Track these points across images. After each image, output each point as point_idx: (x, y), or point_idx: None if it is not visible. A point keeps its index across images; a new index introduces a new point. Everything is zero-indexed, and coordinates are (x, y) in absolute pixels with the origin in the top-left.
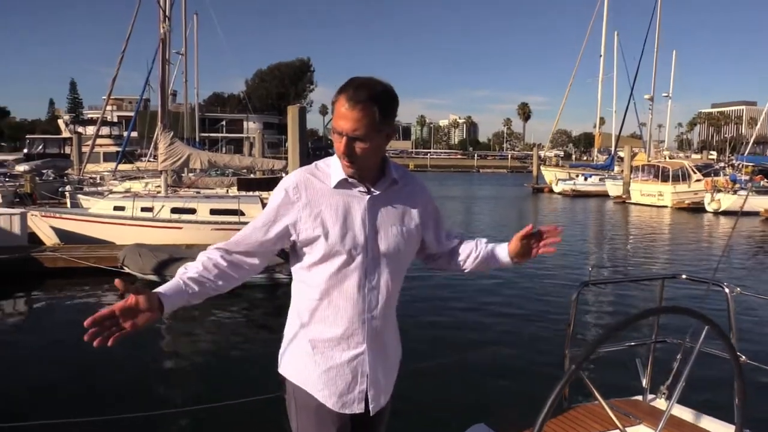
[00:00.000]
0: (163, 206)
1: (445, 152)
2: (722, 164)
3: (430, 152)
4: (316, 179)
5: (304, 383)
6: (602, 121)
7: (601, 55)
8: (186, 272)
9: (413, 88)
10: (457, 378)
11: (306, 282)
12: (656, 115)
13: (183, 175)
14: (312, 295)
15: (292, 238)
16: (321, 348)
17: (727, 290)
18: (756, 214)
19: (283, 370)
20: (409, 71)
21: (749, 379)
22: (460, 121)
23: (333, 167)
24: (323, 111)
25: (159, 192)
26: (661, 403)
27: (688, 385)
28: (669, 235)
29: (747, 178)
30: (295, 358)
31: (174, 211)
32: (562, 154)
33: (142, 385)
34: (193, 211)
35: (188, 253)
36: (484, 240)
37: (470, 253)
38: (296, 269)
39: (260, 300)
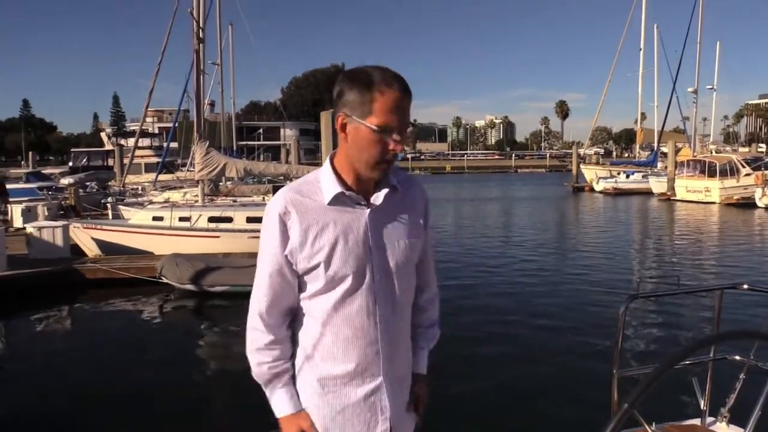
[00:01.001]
0: (200, 215)
1: (482, 153)
2: None
3: (466, 153)
4: (305, 197)
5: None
6: (643, 116)
7: (641, 49)
8: (278, 377)
9: (448, 89)
10: (488, 401)
11: (310, 313)
12: (701, 108)
13: (220, 183)
14: (316, 327)
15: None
16: (332, 386)
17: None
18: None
19: None
20: (444, 73)
21: None
22: (497, 121)
23: (324, 181)
24: None
25: (196, 201)
26: (722, 428)
27: (751, 407)
28: (719, 234)
29: None
30: (302, 399)
31: (211, 220)
32: (602, 151)
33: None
34: (229, 219)
35: (225, 261)
36: (432, 336)
37: (421, 326)
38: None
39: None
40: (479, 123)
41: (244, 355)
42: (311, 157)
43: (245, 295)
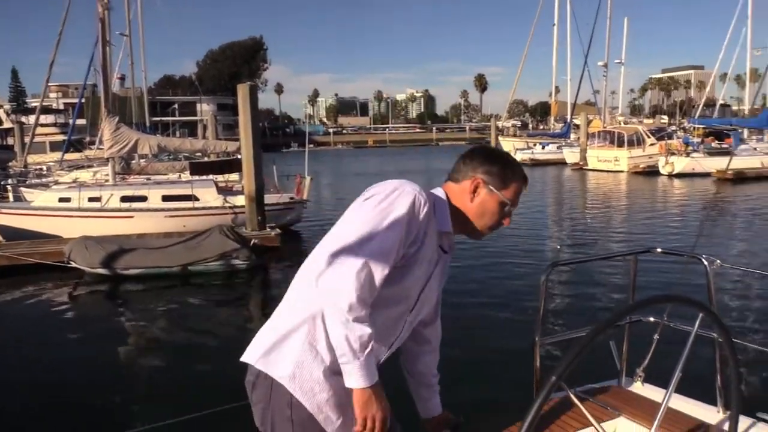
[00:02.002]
0: (111, 195)
1: (403, 127)
2: (674, 128)
3: (388, 127)
4: (432, 210)
5: (315, 407)
6: (557, 89)
7: (554, 24)
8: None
9: (369, 63)
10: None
11: None
12: (609, 81)
13: (132, 161)
14: None
15: None
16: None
17: (706, 263)
18: (708, 175)
19: (288, 384)
20: (365, 46)
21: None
22: (418, 94)
23: (441, 212)
24: (279, 90)
25: (107, 181)
26: (637, 387)
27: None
28: (630, 202)
29: (699, 140)
30: (309, 377)
31: (124, 199)
32: (519, 124)
33: (96, 391)
34: (144, 198)
35: (140, 243)
36: (436, 378)
37: (426, 366)
38: None
39: (219, 289)
40: (400, 97)
41: (162, 338)
42: (229, 133)
43: (162, 277)
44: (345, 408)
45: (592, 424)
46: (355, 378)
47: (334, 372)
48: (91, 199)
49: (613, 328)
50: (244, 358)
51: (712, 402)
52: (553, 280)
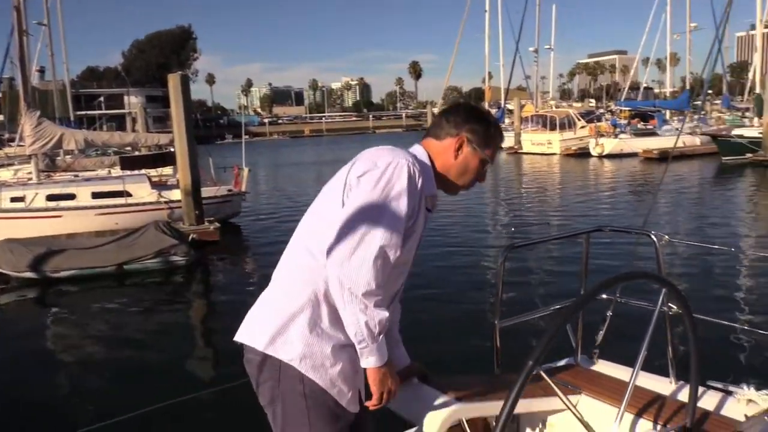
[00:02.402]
0: (36, 194)
1: (340, 115)
2: (602, 111)
3: (325, 116)
4: (424, 177)
5: (328, 382)
6: (490, 75)
7: (486, 11)
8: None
9: (303, 51)
10: None
11: None
12: (540, 67)
13: (57, 158)
14: None
15: None
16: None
17: (654, 239)
18: (635, 155)
19: (299, 365)
20: (298, 34)
21: (679, 330)
22: (353, 83)
23: (428, 176)
24: (210, 80)
25: (30, 179)
26: (594, 364)
27: (621, 342)
28: (567, 183)
29: (626, 122)
30: (320, 354)
31: (50, 198)
32: None
33: (30, 402)
34: (72, 196)
35: (71, 243)
36: (399, 330)
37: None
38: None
39: (157, 287)
40: (336, 85)
41: (99, 342)
42: (160, 126)
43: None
44: (355, 378)
45: (563, 401)
46: (372, 359)
47: (342, 345)
48: (13, 199)
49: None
50: (245, 341)
51: (664, 374)
52: (509, 263)
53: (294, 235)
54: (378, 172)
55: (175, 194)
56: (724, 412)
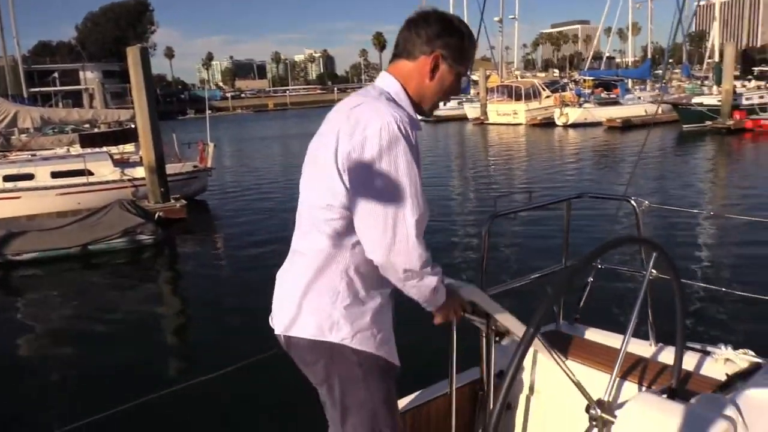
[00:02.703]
0: None
1: (304, 88)
2: (566, 80)
3: (288, 89)
4: (413, 126)
5: (376, 347)
6: None
7: None
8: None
9: (265, 23)
10: None
11: None
12: (504, 37)
13: (12, 137)
14: None
15: None
16: (387, 304)
17: (635, 204)
18: (599, 124)
19: (350, 343)
20: (259, 5)
21: (659, 294)
22: (316, 55)
23: (412, 121)
24: (169, 54)
25: None
26: (575, 329)
27: (600, 307)
28: (535, 152)
29: (589, 91)
30: (365, 326)
31: (7, 179)
32: None
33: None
34: (30, 176)
35: (30, 225)
36: None
37: None
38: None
39: (124, 267)
40: (299, 58)
41: (65, 326)
42: (119, 102)
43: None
44: (392, 333)
45: (560, 366)
46: (439, 306)
47: (380, 308)
48: None
49: (552, 271)
50: (289, 333)
51: (643, 337)
52: (492, 231)
53: (300, 217)
54: (374, 144)
55: (139, 172)
56: (705, 372)
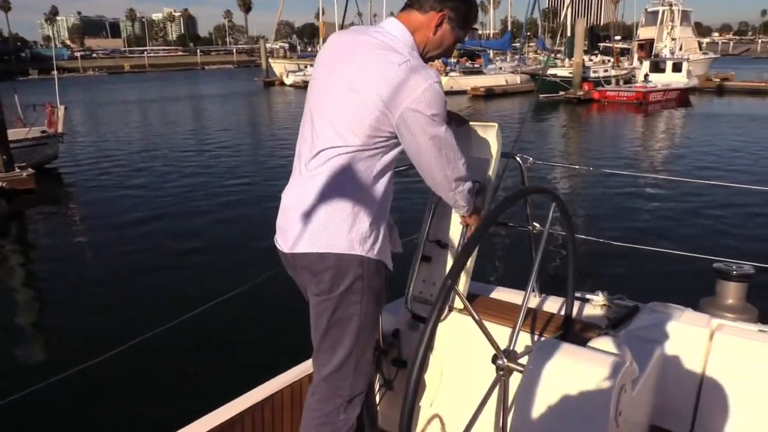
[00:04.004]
0: None
1: (163, 50)
2: None
3: (147, 50)
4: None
5: (377, 252)
6: (323, 11)
7: None
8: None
9: None
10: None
11: (391, 168)
12: (372, 4)
13: None
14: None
15: None
16: (390, 223)
17: (520, 161)
18: (464, 92)
19: (356, 250)
20: None
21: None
22: (176, 14)
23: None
24: (5, 7)
25: None
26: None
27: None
28: None
29: (455, 60)
30: (373, 234)
31: None
32: (287, 46)
33: None
34: None
35: None
36: None
37: None
38: (389, 159)
39: None
40: (157, 16)
41: None
42: None
43: None
44: (387, 230)
45: (473, 319)
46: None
47: (384, 223)
48: None
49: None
50: (293, 249)
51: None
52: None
53: (315, 135)
54: (426, 101)
55: None
56: (588, 318)
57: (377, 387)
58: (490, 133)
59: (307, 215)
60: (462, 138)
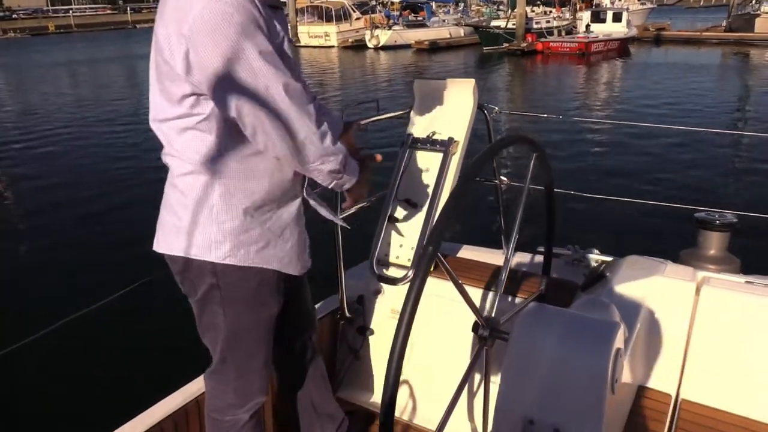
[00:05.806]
0: None
1: (90, 8)
2: (375, 2)
3: (72, 9)
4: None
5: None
6: None
7: None
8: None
9: None
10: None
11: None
12: None
13: None
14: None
15: None
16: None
17: (485, 112)
18: (408, 46)
19: (221, 258)
20: None
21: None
22: None
23: None
24: None
25: None
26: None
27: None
28: (349, 75)
29: (398, 13)
30: (242, 240)
31: None
32: None
33: None
34: None
35: None
36: None
37: None
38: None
39: None
40: None
41: None
42: None
43: None
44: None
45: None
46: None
47: (256, 219)
48: None
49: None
50: (160, 249)
51: (498, 246)
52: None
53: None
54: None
55: None
56: (562, 275)
57: (344, 358)
58: (466, 90)
59: (164, 207)
60: (439, 94)
